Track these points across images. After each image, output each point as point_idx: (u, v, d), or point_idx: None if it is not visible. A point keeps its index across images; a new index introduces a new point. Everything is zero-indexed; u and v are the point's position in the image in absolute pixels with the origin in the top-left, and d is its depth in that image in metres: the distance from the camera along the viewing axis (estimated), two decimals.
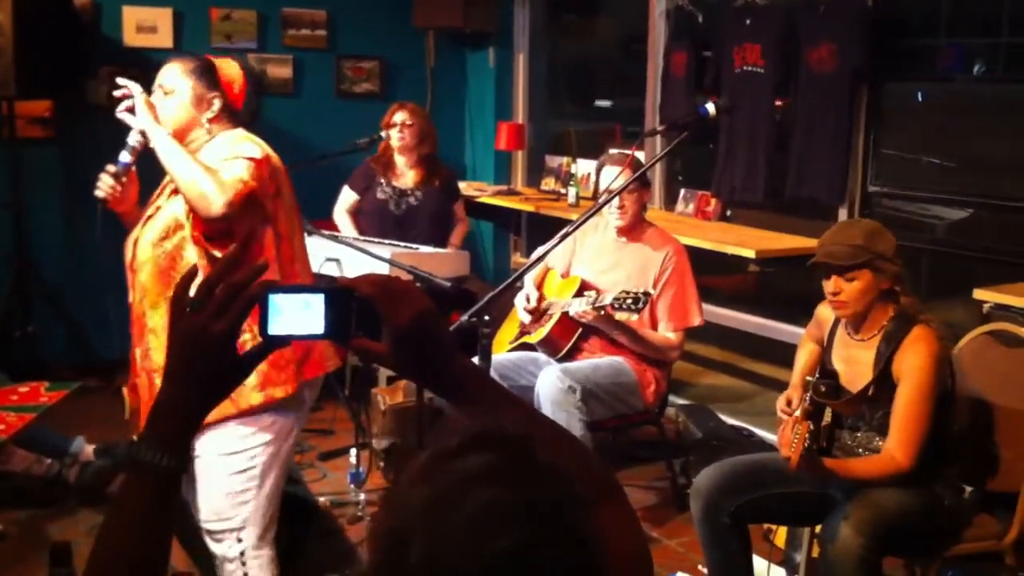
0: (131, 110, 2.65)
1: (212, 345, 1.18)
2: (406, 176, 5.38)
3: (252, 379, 2.51)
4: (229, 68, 2.77)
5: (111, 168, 2.70)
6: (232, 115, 2.74)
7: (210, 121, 2.69)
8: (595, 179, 4.62)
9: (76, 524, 3.90)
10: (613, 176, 4.03)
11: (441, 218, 5.44)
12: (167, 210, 2.63)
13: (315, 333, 1.21)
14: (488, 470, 0.93)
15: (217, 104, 2.69)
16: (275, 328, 1.20)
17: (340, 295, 1.21)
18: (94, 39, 5.70)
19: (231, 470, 2.63)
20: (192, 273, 1.24)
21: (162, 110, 2.67)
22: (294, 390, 2.65)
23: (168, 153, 2.58)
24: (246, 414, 2.60)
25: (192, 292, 1.21)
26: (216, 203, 2.49)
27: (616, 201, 3.90)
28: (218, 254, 2.55)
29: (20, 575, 3.60)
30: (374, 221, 5.33)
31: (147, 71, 5.46)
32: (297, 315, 1.20)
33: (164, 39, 5.90)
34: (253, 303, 1.19)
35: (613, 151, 4.22)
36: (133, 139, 2.68)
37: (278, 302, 1.20)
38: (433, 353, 1.22)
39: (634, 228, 4.10)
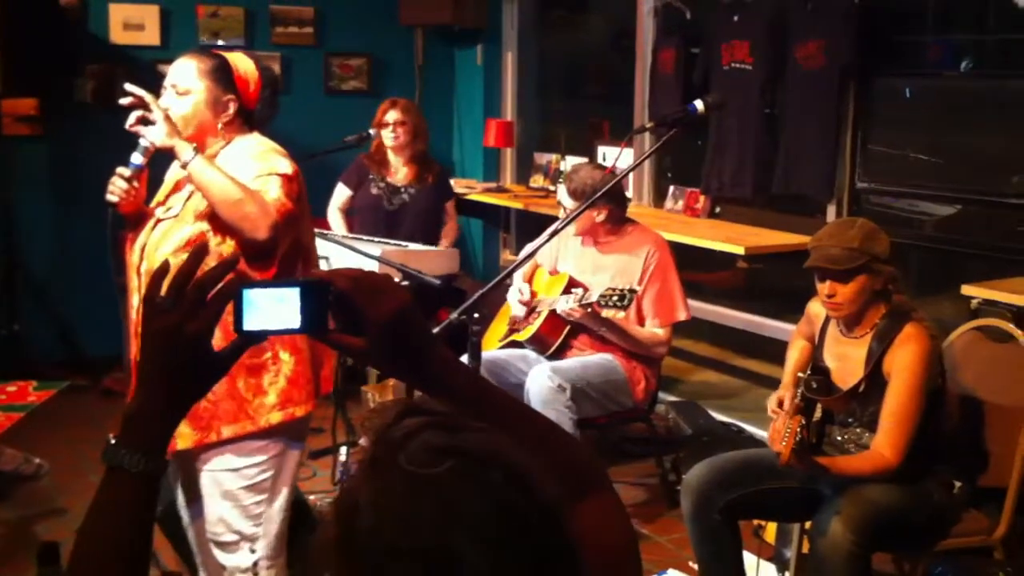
0: (143, 120, 2.44)
1: (186, 345, 1.16)
2: (400, 173, 5.38)
3: (271, 398, 2.50)
4: (244, 64, 2.60)
5: (123, 171, 2.50)
6: (247, 117, 2.59)
7: (225, 125, 2.55)
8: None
9: (65, 524, 3.88)
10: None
11: (433, 215, 5.45)
12: (189, 221, 2.49)
13: (291, 328, 1.18)
14: (420, 427, 0.96)
15: (232, 108, 2.54)
16: (250, 323, 1.18)
17: (315, 288, 1.18)
18: (80, 37, 5.66)
19: (242, 483, 2.54)
20: (163, 270, 1.20)
21: (174, 111, 2.50)
22: (313, 407, 2.59)
23: (203, 175, 2.40)
24: (265, 432, 2.52)
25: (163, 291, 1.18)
26: (261, 226, 2.37)
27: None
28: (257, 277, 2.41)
29: None
30: (366, 217, 5.32)
31: (135, 69, 5.46)
32: (272, 310, 1.18)
33: (151, 36, 5.87)
34: (227, 300, 1.17)
35: (602, 152, 4.20)
36: (146, 140, 2.48)
37: (252, 297, 1.17)
38: (412, 348, 1.20)
39: (592, 231, 4.08)
